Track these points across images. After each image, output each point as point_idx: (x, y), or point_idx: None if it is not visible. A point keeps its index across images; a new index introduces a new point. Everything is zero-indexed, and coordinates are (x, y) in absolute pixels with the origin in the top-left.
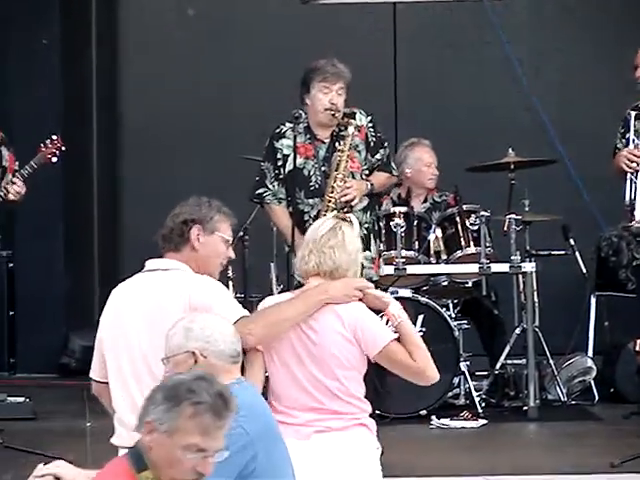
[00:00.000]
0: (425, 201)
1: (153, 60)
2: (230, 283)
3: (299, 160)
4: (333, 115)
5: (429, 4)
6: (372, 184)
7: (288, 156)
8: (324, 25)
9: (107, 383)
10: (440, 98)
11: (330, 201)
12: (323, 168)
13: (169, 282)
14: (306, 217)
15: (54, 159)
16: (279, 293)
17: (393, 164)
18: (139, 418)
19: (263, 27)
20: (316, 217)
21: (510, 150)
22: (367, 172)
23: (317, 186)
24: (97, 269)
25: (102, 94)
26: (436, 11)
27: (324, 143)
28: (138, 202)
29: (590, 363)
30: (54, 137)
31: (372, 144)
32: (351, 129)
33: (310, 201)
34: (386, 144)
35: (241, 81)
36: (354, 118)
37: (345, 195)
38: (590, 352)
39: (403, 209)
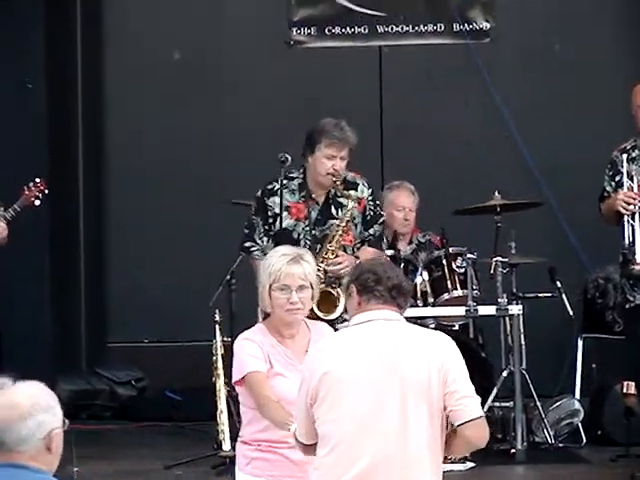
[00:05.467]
0: (410, 242)
1: (140, 106)
2: (217, 327)
3: (290, 221)
4: (334, 181)
5: (414, 47)
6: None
7: (279, 215)
8: (310, 69)
9: None
10: (426, 141)
11: (319, 270)
12: (313, 232)
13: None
14: None
15: (37, 202)
16: None
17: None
18: None
19: (250, 72)
20: None
21: (496, 193)
22: (359, 246)
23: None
24: (84, 314)
25: (88, 138)
26: (421, 54)
27: (318, 204)
28: (124, 247)
29: (577, 405)
30: (37, 180)
31: (369, 217)
32: (351, 204)
33: None
34: (381, 220)
35: (231, 128)
36: (356, 189)
37: (336, 266)
38: (577, 394)
39: (390, 252)
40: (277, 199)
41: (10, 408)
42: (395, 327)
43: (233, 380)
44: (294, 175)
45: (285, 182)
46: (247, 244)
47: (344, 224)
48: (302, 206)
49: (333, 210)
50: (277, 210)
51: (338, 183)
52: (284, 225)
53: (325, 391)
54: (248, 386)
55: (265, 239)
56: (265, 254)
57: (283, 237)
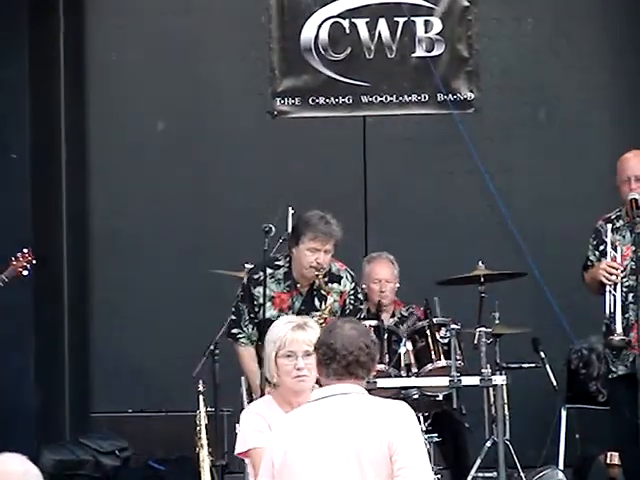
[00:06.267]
0: (393, 315)
1: (123, 174)
2: (201, 397)
3: (273, 312)
4: (317, 275)
5: (398, 117)
6: None
7: (263, 305)
8: (294, 139)
9: None
10: (410, 210)
11: None
12: None
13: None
14: None
15: (25, 272)
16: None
17: None
18: None
19: (234, 141)
20: None
21: (480, 263)
22: None
23: None
24: (68, 385)
25: (72, 205)
26: (405, 124)
27: (301, 295)
28: (107, 318)
29: (561, 476)
30: (25, 250)
31: (347, 311)
32: (331, 299)
33: None
34: (359, 314)
35: (214, 197)
36: (339, 282)
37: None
38: (561, 465)
39: (373, 322)
40: (262, 289)
41: (5, 475)
42: (352, 401)
43: (236, 451)
44: (280, 263)
45: (271, 271)
46: (234, 331)
47: (322, 321)
48: (286, 296)
49: (316, 302)
50: (262, 300)
51: (320, 277)
52: (267, 315)
53: (287, 470)
54: (251, 460)
55: (250, 327)
56: (251, 341)
57: (267, 328)
